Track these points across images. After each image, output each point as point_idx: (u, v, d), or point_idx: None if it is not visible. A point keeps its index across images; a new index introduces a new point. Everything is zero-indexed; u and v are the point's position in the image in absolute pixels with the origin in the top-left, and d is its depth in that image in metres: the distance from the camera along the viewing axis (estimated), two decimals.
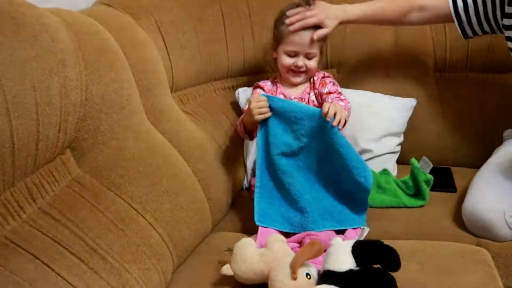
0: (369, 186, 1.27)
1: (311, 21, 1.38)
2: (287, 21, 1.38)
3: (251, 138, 1.40)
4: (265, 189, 1.32)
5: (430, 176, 1.41)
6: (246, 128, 1.38)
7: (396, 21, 1.52)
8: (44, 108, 0.89)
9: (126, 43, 1.19)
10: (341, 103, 1.34)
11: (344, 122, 1.25)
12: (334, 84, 1.46)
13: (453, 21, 1.44)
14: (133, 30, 1.26)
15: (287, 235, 1.24)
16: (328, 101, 1.35)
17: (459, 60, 1.68)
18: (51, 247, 0.88)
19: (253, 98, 1.31)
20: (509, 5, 1.36)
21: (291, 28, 1.37)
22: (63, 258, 0.88)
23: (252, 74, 1.68)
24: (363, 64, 1.70)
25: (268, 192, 1.32)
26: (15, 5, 0.90)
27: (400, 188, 1.46)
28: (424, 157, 1.47)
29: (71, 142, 1.01)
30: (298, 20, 1.38)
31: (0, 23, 0.84)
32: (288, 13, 1.40)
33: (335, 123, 1.22)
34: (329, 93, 1.42)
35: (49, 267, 0.85)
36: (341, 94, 1.41)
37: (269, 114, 1.28)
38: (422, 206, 1.43)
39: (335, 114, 1.22)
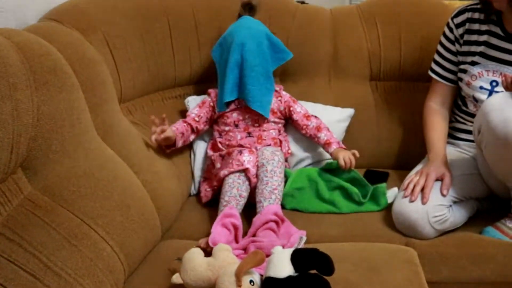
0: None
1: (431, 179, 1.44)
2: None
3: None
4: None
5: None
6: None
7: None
8: None
9: (76, 61, 1.21)
10: (316, 121, 1.63)
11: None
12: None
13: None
14: (82, 47, 1.28)
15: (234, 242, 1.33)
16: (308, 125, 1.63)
17: (392, 70, 1.80)
18: (6, 266, 0.90)
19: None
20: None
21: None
22: (18, 278, 0.90)
23: (199, 83, 1.74)
24: (304, 74, 1.78)
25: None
26: None
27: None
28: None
29: (23, 161, 1.04)
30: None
31: None
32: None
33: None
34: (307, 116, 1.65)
35: (4, 287, 0.87)
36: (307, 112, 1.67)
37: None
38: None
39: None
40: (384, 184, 1.53)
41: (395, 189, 1.54)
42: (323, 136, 1.61)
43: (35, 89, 1.05)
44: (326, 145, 1.60)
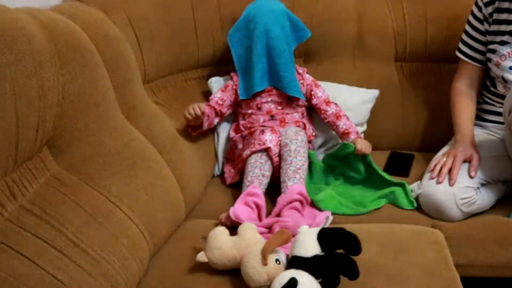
0: None
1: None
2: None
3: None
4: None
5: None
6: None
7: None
8: (23, 110, 0.92)
9: (100, 40, 1.21)
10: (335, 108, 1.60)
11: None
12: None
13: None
14: (106, 26, 1.27)
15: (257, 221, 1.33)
16: (327, 111, 1.60)
17: (418, 51, 1.76)
18: (34, 243, 0.91)
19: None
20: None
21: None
22: (46, 253, 0.91)
23: (222, 64, 1.72)
24: (328, 55, 1.76)
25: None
26: None
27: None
28: (419, 182, 1.48)
29: (49, 140, 1.04)
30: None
31: None
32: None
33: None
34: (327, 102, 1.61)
35: (33, 262, 0.88)
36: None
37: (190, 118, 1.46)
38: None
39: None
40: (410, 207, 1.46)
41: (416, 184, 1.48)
42: (341, 124, 1.58)
43: (60, 67, 1.05)
44: (345, 135, 1.57)
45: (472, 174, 1.40)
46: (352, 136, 1.56)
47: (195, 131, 1.51)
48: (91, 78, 1.12)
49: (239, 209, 1.30)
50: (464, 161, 1.42)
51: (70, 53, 1.08)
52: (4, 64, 0.88)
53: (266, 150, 1.45)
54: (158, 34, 1.49)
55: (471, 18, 1.55)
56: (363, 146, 1.50)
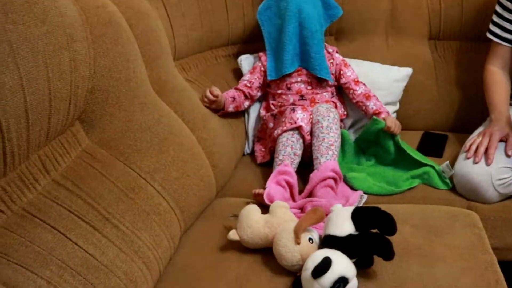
0: None
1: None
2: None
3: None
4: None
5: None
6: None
7: None
8: (55, 83, 0.91)
9: (131, 15, 1.20)
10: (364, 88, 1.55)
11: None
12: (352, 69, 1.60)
13: None
14: (137, 1, 1.26)
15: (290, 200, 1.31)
16: (356, 90, 1.55)
17: (453, 29, 1.71)
18: (67, 217, 0.91)
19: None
20: None
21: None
22: (78, 228, 0.91)
23: (252, 42, 1.70)
24: (361, 32, 1.72)
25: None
26: None
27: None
28: (447, 163, 1.44)
29: (80, 114, 1.04)
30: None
31: (11, 0, 0.85)
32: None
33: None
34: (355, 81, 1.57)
35: (66, 236, 0.88)
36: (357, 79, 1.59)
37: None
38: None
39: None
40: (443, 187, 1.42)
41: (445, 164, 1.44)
42: (371, 105, 1.53)
43: (92, 41, 1.04)
44: (375, 115, 1.52)
45: (509, 153, 1.35)
46: (383, 116, 1.51)
47: (219, 112, 1.50)
48: (122, 52, 1.11)
49: (273, 190, 1.28)
50: (500, 141, 1.38)
51: (101, 27, 1.07)
52: (37, 36, 0.87)
53: (298, 129, 1.43)
54: (189, 10, 1.48)
55: None
56: (393, 124, 1.46)
